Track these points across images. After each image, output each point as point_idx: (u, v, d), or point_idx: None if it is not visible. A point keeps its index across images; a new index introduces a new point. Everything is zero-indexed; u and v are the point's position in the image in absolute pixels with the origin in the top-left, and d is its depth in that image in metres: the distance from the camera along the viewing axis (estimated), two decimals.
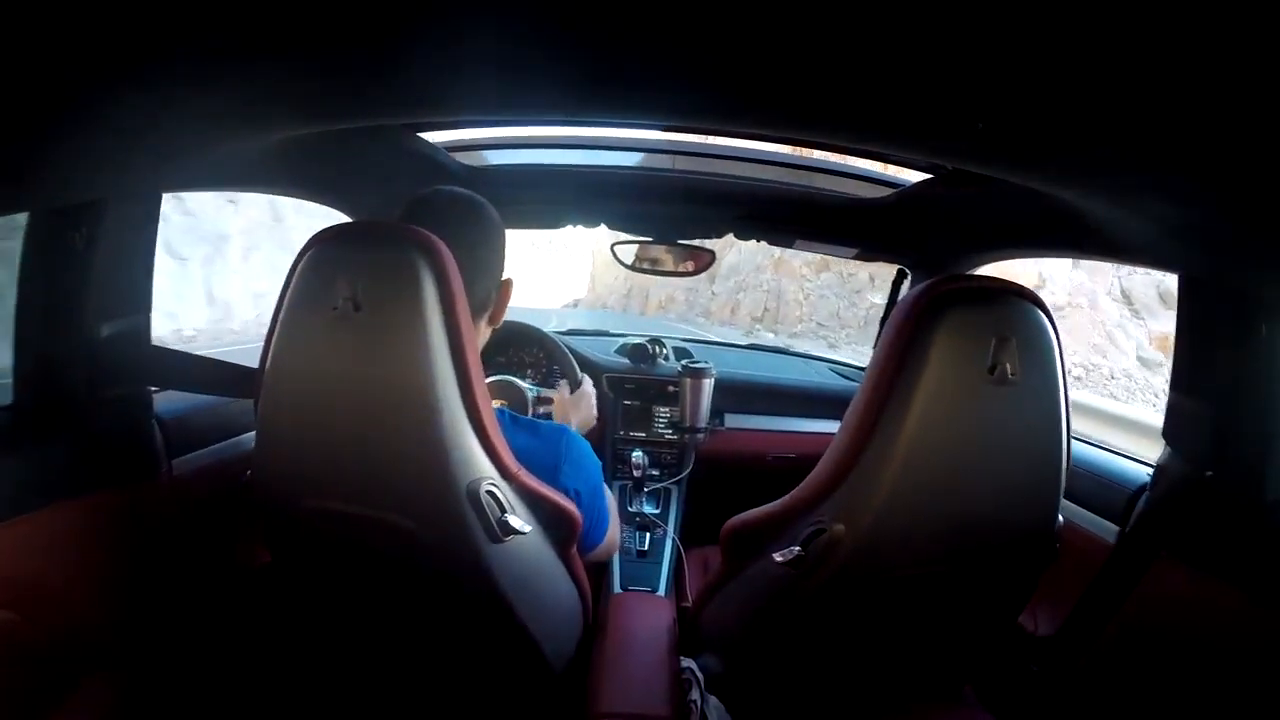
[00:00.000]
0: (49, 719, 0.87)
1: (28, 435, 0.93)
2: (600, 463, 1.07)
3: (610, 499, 1.12)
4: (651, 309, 25.95)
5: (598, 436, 1.83)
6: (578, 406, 1.41)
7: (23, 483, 0.89)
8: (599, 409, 1.52)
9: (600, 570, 1.57)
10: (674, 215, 1.72)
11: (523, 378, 1.46)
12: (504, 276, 0.99)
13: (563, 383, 1.50)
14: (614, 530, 1.12)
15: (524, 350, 1.84)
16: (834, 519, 0.83)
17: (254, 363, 0.91)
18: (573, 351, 1.85)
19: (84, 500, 0.96)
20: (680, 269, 1.85)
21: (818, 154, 1.48)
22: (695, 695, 1.08)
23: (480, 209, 0.97)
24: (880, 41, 0.58)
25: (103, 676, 0.95)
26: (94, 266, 0.97)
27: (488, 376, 0.94)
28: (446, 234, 0.78)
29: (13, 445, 0.91)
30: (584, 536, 0.99)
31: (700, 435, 1.86)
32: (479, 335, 0.95)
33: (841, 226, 1.68)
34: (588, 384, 1.51)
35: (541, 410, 1.38)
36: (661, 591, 1.50)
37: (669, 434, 1.94)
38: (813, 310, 15.14)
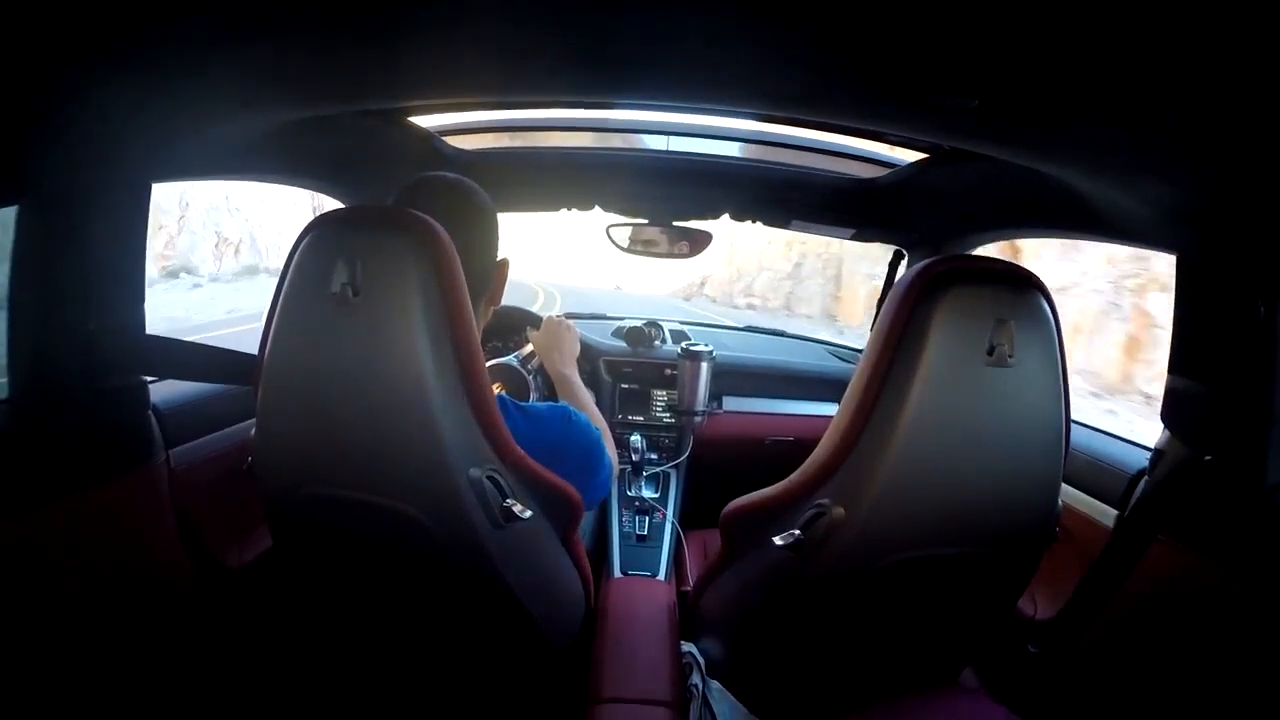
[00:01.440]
0: (50, 711, 0.87)
1: (25, 429, 0.92)
2: (598, 424, 1.09)
3: (607, 443, 1.12)
4: (856, 315, 15.42)
5: None
6: (554, 339, 1.39)
7: (21, 476, 0.89)
8: (595, 390, 1.52)
9: (600, 554, 1.57)
10: (668, 197, 1.71)
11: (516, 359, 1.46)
12: (502, 256, 1.01)
13: (529, 331, 1.49)
14: (614, 463, 1.12)
15: (516, 333, 1.84)
16: (834, 502, 0.84)
17: (251, 349, 0.90)
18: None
19: (82, 492, 0.95)
20: (675, 251, 1.84)
21: (814, 134, 1.46)
22: (696, 679, 1.09)
23: (471, 192, 0.98)
24: (874, 18, 0.58)
25: (102, 668, 0.96)
26: (86, 258, 0.96)
27: (486, 362, 0.94)
28: (439, 218, 0.78)
29: (10, 439, 0.90)
30: (592, 493, 1.00)
31: (698, 418, 1.86)
32: (479, 316, 0.95)
33: (838, 207, 1.67)
34: (547, 319, 1.49)
35: (531, 366, 1.38)
36: (661, 576, 1.51)
37: (667, 417, 1.95)
38: None
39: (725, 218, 1.76)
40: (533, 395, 1.45)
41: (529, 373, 1.36)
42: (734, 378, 1.98)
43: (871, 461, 0.81)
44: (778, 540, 0.87)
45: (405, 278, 0.72)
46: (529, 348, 1.41)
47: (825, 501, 0.85)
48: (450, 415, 0.75)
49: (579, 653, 1.15)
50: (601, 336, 2.05)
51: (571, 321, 1.47)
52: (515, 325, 1.78)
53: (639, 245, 1.84)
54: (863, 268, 15.72)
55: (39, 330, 0.95)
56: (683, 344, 1.88)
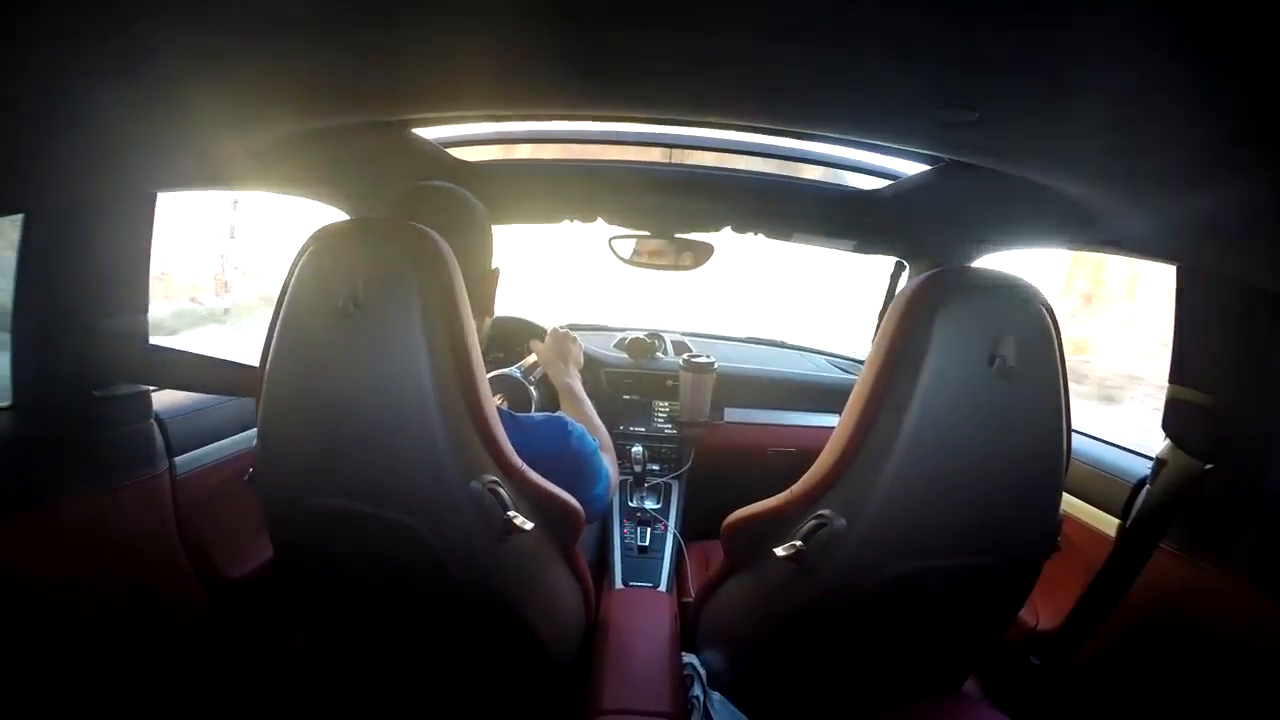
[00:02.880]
0: (51, 716, 0.87)
1: (27, 436, 0.93)
2: (599, 436, 1.08)
3: (607, 456, 1.11)
4: None
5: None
6: (559, 351, 1.38)
7: (23, 482, 0.89)
8: (596, 401, 1.51)
9: (601, 566, 1.57)
10: (671, 209, 1.71)
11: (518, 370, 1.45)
12: (494, 265, 1.01)
13: (533, 343, 1.49)
14: (613, 476, 1.11)
15: (519, 344, 1.84)
16: (835, 513, 0.83)
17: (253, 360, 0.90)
18: None
19: (84, 500, 0.96)
20: (679, 264, 1.84)
21: (816, 146, 1.47)
22: (697, 691, 1.09)
23: (461, 200, 0.98)
24: (876, 34, 0.58)
25: (104, 674, 0.95)
26: (90, 267, 0.97)
27: (488, 373, 0.94)
28: (435, 225, 0.78)
29: (13, 445, 0.91)
30: (591, 506, 0.99)
31: (700, 430, 1.86)
32: (480, 330, 0.95)
33: (840, 219, 1.67)
34: (552, 330, 1.48)
35: (533, 376, 1.37)
36: (663, 587, 1.50)
37: (669, 429, 1.94)
38: None
39: (727, 230, 1.76)
40: (534, 406, 1.45)
41: (531, 384, 1.36)
42: (735, 389, 1.97)
43: (873, 472, 0.81)
44: (779, 551, 0.87)
45: (406, 290, 0.73)
46: (532, 358, 1.40)
47: (827, 512, 0.84)
48: (451, 427, 0.75)
49: (580, 664, 1.15)
50: (603, 348, 2.05)
51: (562, 332, 1.46)
52: (519, 336, 1.78)
53: (641, 257, 1.84)
54: None
55: (43, 338, 0.96)
56: (684, 355, 1.87)
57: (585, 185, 1.66)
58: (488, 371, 0.91)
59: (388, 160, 1.36)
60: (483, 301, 0.99)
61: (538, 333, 1.61)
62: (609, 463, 1.10)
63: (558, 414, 1.03)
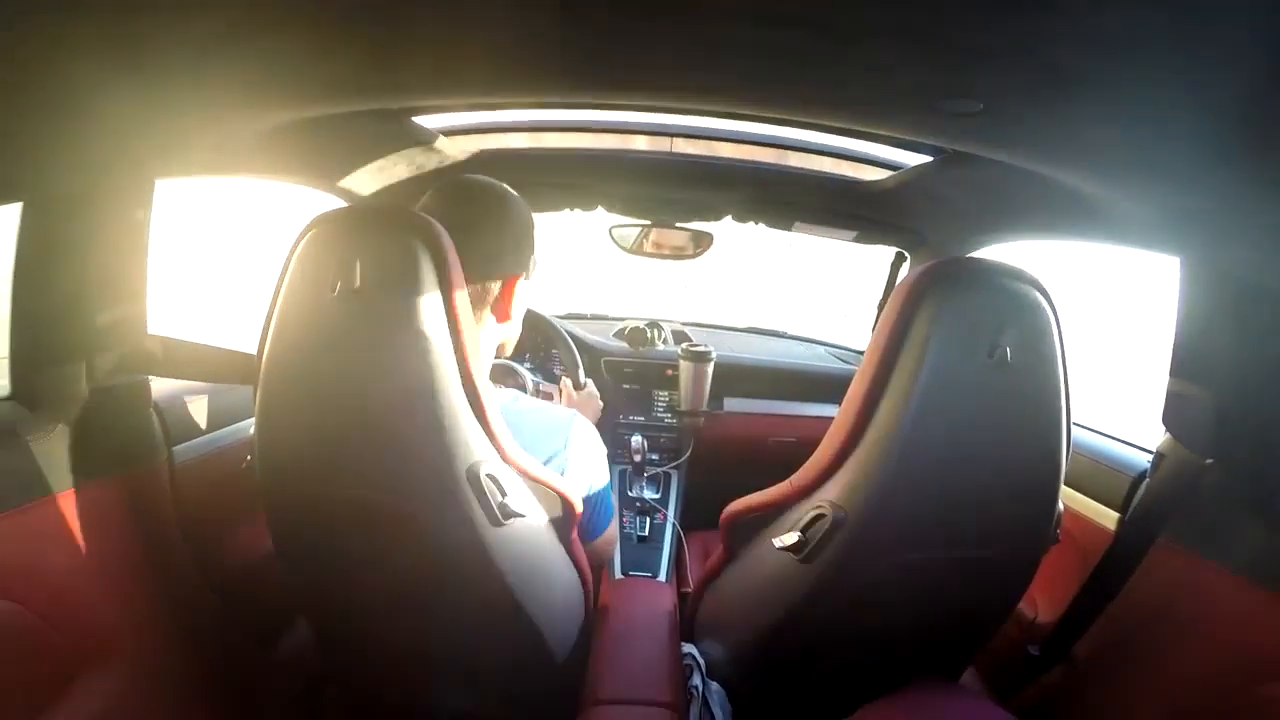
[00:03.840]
0: (49, 709, 0.87)
1: (25, 425, 0.92)
2: (605, 451, 1.08)
3: (613, 496, 1.11)
4: None
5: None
6: (585, 408, 1.39)
7: (21, 473, 0.89)
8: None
9: None
10: (672, 198, 1.71)
11: (521, 362, 1.44)
12: (518, 272, 0.94)
13: (565, 380, 1.48)
14: (613, 527, 1.13)
15: (524, 334, 1.84)
16: (834, 503, 0.83)
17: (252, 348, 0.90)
18: (573, 337, 1.85)
19: (83, 490, 0.96)
20: (680, 253, 1.84)
21: (818, 136, 1.46)
22: (696, 681, 1.09)
23: (496, 200, 0.93)
24: (881, 25, 0.57)
25: (103, 666, 0.96)
26: (89, 255, 0.97)
27: (498, 358, 0.94)
28: (452, 219, 0.78)
29: (11, 435, 0.90)
30: (583, 528, 0.99)
31: (699, 419, 1.86)
32: (487, 330, 0.93)
33: (841, 209, 1.67)
34: (592, 386, 1.48)
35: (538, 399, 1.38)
36: (662, 577, 1.51)
37: (668, 418, 1.94)
38: None
39: (728, 219, 1.76)
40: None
41: (533, 392, 1.36)
42: (735, 378, 1.97)
43: (872, 463, 0.80)
44: (776, 543, 0.87)
45: (404, 277, 0.72)
46: (556, 389, 1.40)
47: (826, 503, 0.84)
48: (448, 414, 0.75)
49: (578, 653, 1.15)
50: (602, 337, 2.05)
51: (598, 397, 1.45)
52: (534, 346, 1.78)
53: (642, 246, 1.84)
54: None
55: (41, 327, 0.95)
56: (683, 344, 1.87)
57: (586, 174, 1.65)
58: (499, 357, 0.90)
59: (387, 149, 1.36)
60: (501, 305, 0.94)
61: (575, 375, 1.60)
62: (613, 520, 1.10)
63: (573, 410, 1.03)
